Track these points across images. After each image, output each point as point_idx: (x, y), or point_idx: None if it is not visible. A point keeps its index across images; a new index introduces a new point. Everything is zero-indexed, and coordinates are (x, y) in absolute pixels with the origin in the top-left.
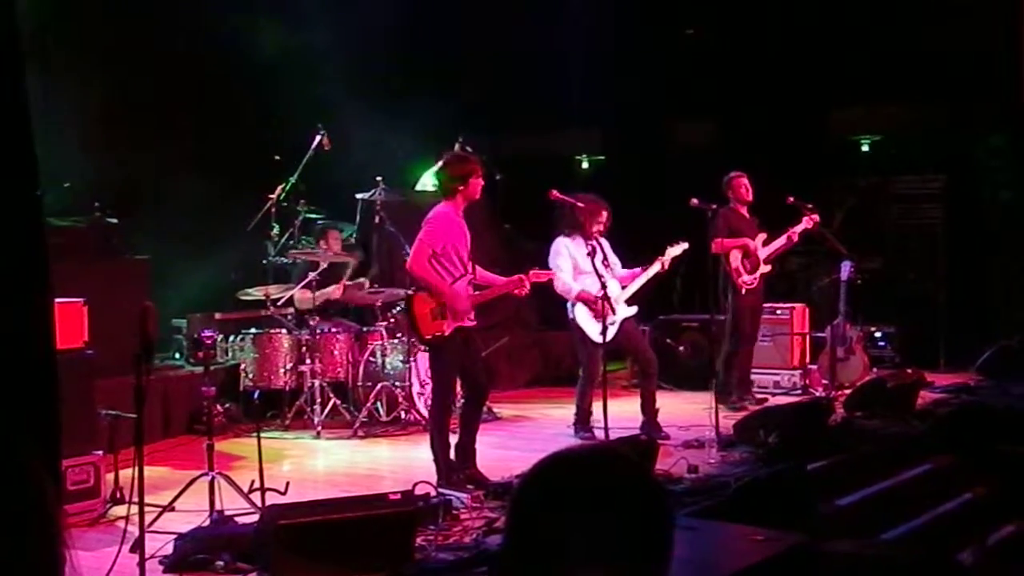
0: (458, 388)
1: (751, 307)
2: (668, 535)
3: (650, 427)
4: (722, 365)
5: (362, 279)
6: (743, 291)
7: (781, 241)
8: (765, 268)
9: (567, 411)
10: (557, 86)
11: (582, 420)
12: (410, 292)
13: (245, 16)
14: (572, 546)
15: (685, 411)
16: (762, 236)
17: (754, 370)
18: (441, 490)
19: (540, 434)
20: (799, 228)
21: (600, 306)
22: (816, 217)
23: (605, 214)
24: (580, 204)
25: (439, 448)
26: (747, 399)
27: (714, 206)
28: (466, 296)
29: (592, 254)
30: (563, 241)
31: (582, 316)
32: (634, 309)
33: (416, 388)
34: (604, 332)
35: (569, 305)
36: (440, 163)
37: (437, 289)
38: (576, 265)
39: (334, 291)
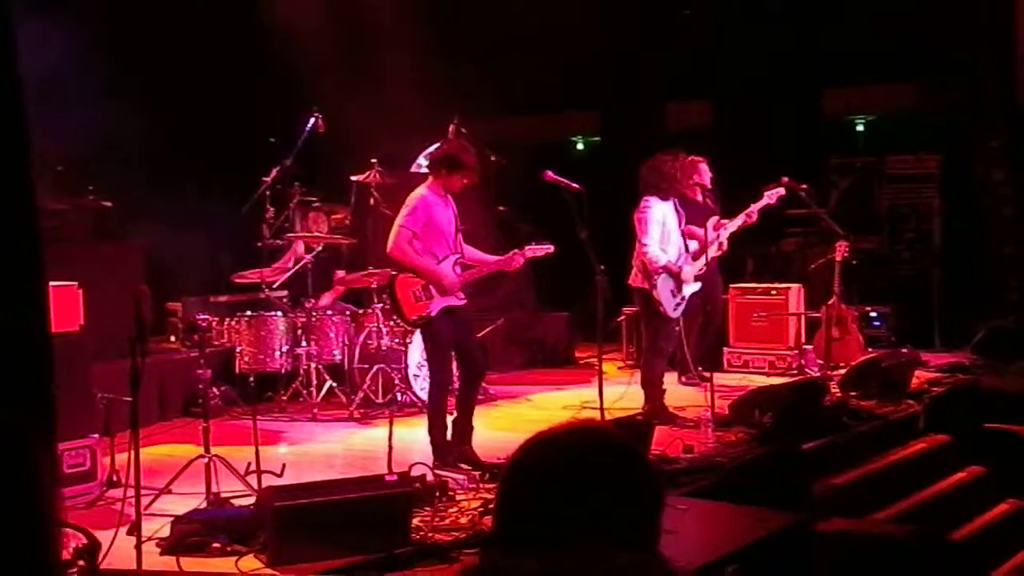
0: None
1: (702, 293)
2: (656, 514)
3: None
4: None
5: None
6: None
7: (739, 220)
8: (716, 252)
9: (562, 392)
10: (553, 67)
11: (666, 413)
12: (392, 275)
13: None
14: (559, 525)
15: (680, 391)
16: (713, 219)
17: (749, 350)
18: (438, 471)
19: (535, 415)
20: (759, 204)
21: (681, 277)
22: (781, 192)
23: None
24: (575, 186)
25: (436, 429)
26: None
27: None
28: (453, 273)
29: (680, 218)
30: (656, 204)
31: (663, 289)
32: (699, 285)
33: (412, 370)
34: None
35: (635, 275)
36: (443, 143)
37: (421, 269)
38: (665, 230)
39: (324, 298)
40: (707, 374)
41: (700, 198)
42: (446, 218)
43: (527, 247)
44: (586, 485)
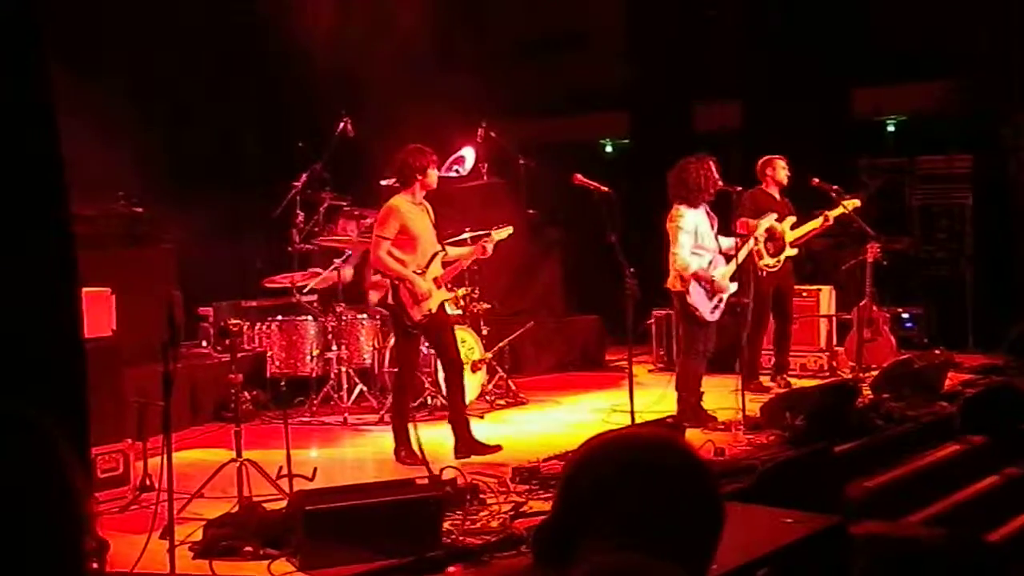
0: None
1: (776, 290)
2: (716, 517)
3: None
4: (747, 347)
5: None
6: (763, 274)
7: (817, 223)
8: (791, 251)
9: (593, 395)
10: (582, 69)
11: (699, 415)
12: (395, 282)
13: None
14: (620, 524)
15: (711, 393)
16: (791, 219)
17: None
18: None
19: (565, 418)
20: (835, 212)
21: (713, 285)
22: (856, 202)
23: (713, 166)
24: (604, 188)
25: (403, 421)
26: (782, 378)
27: (739, 188)
28: (428, 281)
29: (712, 221)
30: (687, 212)
31: (696, 294)
32: (735, 286)
33: (441, 373)
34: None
35: (674, 279)
36: (399, 155)
37: (399, 276)
38: (697, 236)
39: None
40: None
41: (778, 196)
42: (422, 224)
43: (493, 230)
44: (650, 486)
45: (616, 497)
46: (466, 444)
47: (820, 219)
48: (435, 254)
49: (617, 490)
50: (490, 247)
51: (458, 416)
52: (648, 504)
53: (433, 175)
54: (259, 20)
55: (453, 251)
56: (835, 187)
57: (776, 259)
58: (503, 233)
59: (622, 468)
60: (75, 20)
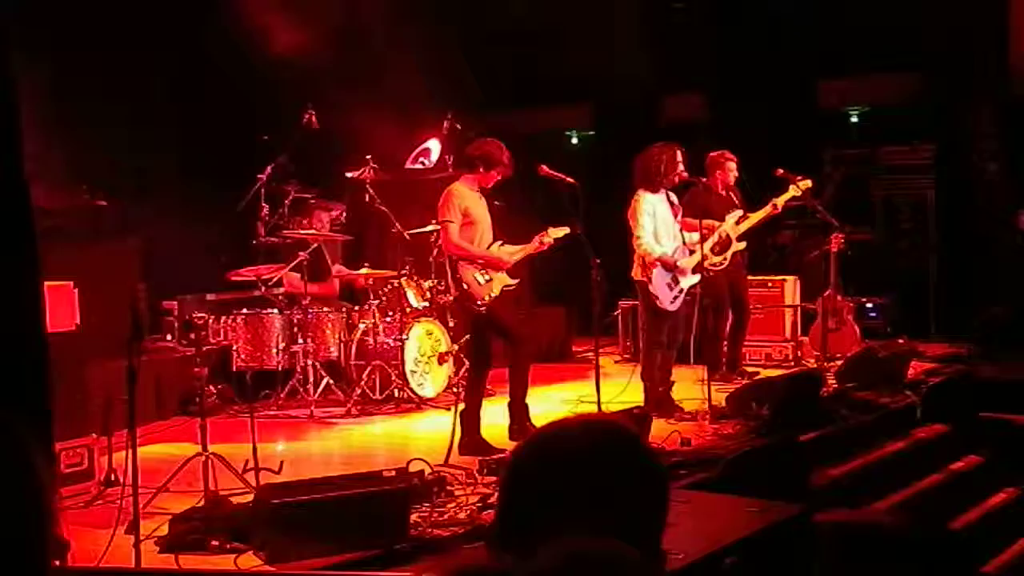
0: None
1: (729, 285)
2: (662, 504)
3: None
4: (710, 341)
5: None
6: (710, 273)
7: (763, 212)
8: (739, 246)
9: (560, 387)
10: (547, 60)
11: (666, 405)
12: (454, 260)
13: None
14: (567, 514)
15: (678, 384)
16: (736, 214)
17: (746, 342)
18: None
19: (533, 410)
20: (784, 197)
21: (677, 269)
22: (808, 182)
23: (680, 154)
24: (569, 180)
25: (470, 419)
26: (737, 374)
27: (703, 180)
28: (502, 253)
29: (675, 211)
30: (645, 196)
31: (658, 282)
32: (697, 278)
33: (409, 366)
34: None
35: (637, 268)
36: (481, 143)
37: (477, 258)
38: (656, 221)
39: (321, 289)
40: (742, 374)
41: (723, 192)
42: (482, 212)
43: (548, 229)
44: (595, 474)
45: (560, 483)
46: (522, 431)
47: (768, 207)
48: (492, 244)
49: (565, 476)
50: (548, 241)
51: (518, 404)
52: (598, 485)
53: (492, 177)
54: (223, 13)
55: (509, 247)
56: (799, 176)
57: (722, 256)
58: (559, 232)
59: (568, 454)
60: (40, 16)
